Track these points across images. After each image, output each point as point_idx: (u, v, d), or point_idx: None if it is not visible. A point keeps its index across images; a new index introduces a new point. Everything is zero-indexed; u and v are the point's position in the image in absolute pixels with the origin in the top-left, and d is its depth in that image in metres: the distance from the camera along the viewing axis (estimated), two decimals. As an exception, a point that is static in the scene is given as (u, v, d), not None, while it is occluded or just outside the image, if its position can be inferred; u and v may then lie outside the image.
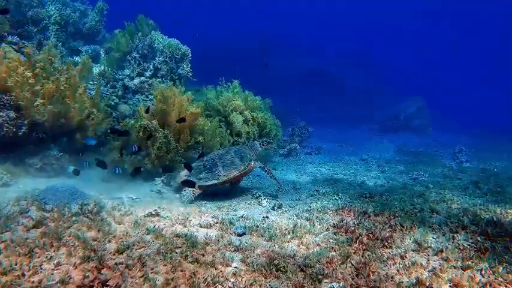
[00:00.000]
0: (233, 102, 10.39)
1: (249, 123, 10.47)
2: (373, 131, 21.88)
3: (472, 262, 3.59)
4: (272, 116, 11.59)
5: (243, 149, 7.28)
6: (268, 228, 4.59)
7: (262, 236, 4.38)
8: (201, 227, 4.58)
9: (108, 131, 7.48)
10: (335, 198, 6.64)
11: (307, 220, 5.21)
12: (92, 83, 9.67)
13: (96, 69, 10.69)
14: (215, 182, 6.52)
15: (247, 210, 5.69)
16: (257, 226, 4.67)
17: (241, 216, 5.17)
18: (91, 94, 8.16)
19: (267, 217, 5.23)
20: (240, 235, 4.40)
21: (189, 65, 11.12)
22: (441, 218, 5.26)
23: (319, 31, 43.24)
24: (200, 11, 46.70)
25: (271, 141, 7.74)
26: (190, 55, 11.07)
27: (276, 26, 40.45)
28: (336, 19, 47.39)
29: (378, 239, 4.45)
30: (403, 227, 4.86)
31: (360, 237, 4.46)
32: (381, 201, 6.40)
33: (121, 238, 3.81)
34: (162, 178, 6.78)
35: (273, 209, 5.77)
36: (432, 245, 4.17)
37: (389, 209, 5.78)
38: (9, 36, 9.11)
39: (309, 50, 36.87)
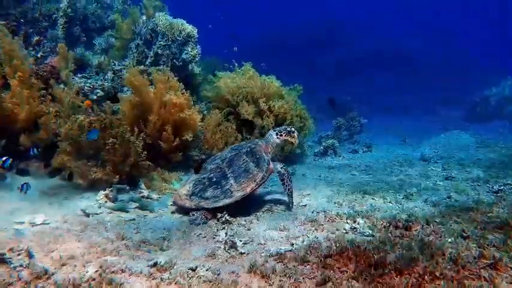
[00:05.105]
0: (243, 89, 8.32)
1: (264, 115, 8.30)
2: (453, 121, 17.66)
3: None
4: (300, 104, 9.20)
5: (257, 146, 5.20)
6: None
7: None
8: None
9: None
10: (344, 229, 4.19)
11: (262, 277, 2.98)
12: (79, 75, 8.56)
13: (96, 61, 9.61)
14: (227, 201, 4.62)
15: (180, 250, 3.62)
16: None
17: (154, 265, 3.13)
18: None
19: (194, 269, 3.11)
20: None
21: (196, 48, 9.33)
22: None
23: (389, 6, 38.32)
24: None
25: (292, 128, 5.43)
26: (196, 36, 9.27)
27: (342, 7, 36.94)
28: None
29: None
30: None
31: None
32: (422, 236, 3.78)
33: None
34: (106, 192, 5.06)
35: (225, 248, 3.61)
36: None
37: (429, 257, 3.21)
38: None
39: (379, 30, 32.73)
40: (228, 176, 4.82)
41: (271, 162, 5.10)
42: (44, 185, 5.55)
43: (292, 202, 5.06)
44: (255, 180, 4.80)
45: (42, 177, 6.01)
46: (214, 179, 4.83)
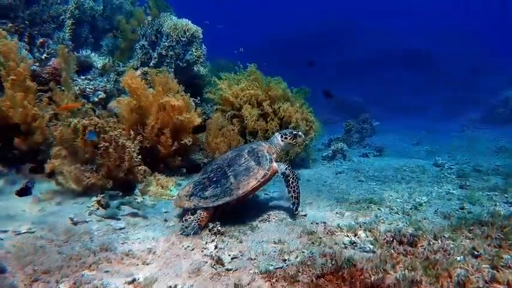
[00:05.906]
0: (247, 91, 8.08)
1: (268, 118, 8.03)
2: (472, 123, 16.95)
3: None
4: (307, 107, 8.89)
5: (259, 146, 5.00)
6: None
7: None
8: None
9: None
10: (344, 243, 3.88)
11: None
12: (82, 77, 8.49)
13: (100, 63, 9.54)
14: (227, 199, 4.43)
15: (165, 264, 3.39)
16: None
17: (132, 281, 2.91)
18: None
19: (173, 287, 2.88)
20: None
21: (201, 48, 9.14)
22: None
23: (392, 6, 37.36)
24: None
25: (298, 132, 5.18)
26: (201, 36, 9.09)
27: (343, 7, 36.31)
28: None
29: None
30: None
31: None
32: (427, 254, 3.44)
33: None
34: (98, 198, 4.90)
35: (211, 264, 3.36)
36: None
37: (434, 279, 2.89)
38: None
39: (379, 30, 31.97)
40: (229, 175, 4.62)
41: (274, 162, 4.86)
42: (38, 190, 5.42)
43: (298, 206, 4.76)
44: (256, 178, 4.57)
45: (38, 181, 5.91)
46: (215, 179, 4.63)
